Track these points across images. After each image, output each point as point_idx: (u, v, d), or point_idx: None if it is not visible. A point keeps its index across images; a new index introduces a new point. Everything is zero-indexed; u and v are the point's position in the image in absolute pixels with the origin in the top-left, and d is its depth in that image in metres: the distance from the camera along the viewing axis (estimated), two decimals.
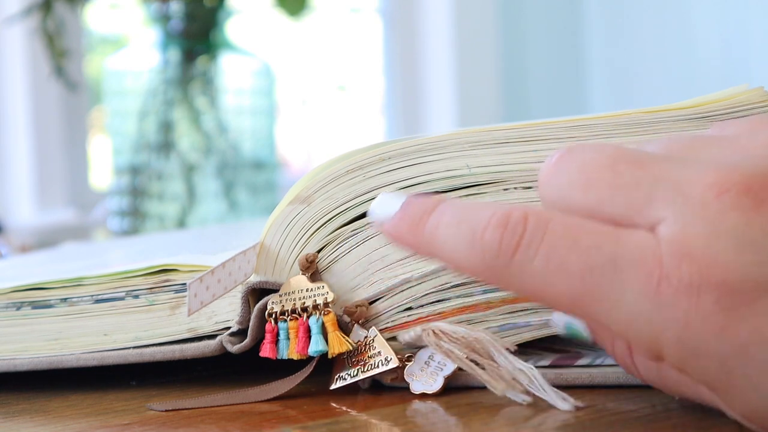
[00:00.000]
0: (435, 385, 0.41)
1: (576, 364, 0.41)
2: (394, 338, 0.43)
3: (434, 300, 0.43)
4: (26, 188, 1.63)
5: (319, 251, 0.44)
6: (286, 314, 0.42)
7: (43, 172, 1.63)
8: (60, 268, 0.58)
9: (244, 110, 1.22)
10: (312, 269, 0.43)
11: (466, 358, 0.39)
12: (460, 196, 0.43)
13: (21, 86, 1.61)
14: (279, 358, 0.42)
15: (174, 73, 1.18)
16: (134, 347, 0.45)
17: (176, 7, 1.17)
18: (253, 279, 0.44)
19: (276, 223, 0.44)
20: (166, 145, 1.18)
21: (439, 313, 0.43)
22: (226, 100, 1.20)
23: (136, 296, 0.46)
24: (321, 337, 0.42)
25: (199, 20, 1.18)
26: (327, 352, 0.42)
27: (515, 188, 0.43)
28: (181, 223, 1.16)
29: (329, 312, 0.42)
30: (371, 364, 0.42)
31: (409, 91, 2.11)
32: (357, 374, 0.42)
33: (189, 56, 1.18)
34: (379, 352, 0.42)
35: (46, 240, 1.21)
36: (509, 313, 0.42)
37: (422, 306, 0.43)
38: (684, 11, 2.06)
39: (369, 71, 2.08)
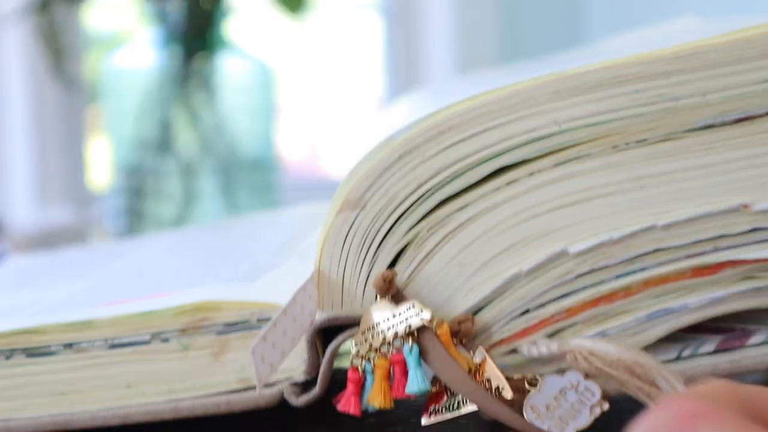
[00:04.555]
0: None
1: (748, 344, 0.34)
2: (513, 351, 0.34)
3: (557, 296, 0.34)
4: (24, 187, 1.62)
5: (393, 264, 0.35)
6: (374, 355, 0.33)
7: (42, 171, 1.62)
8: (58, 297, 0.46)
9: (243, 109, 1.21)
10: (392, 290, 0.34)
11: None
12: (557, 164, 0.34)
13: (19, 85, 1.60)
14: (367, 409, 0.33)
15: (172, 72, 1.18)
16: (167, 401, 0.36)
17: (174, 6, 1.17)
18: (319, 317, 0.35)
19: (329, 242, 0.35)
20: (164, 145, 1.17)
21: (567, 311, 0.34)
22: (224, 100, 1.20)
23: (166, 340, 0.37)
24: (420, 371, 0.33)
25: (197, 19, 1.17)
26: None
27: (626, 144, 0.34)
28: (179, 223, 1.15)
29: (440, 324, 0.33)
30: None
31: (410, 90, 2.10)
32: (458, 407, 0.33)
33: (187, 55, 1.18)
34: (488, 380, 0.33)
35: (45, 238, 1.21)
36: (657, 296, 0.34)
37: (542, 306, 0.34)
38: None
39: (369, 70, 2.08)
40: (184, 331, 0.36)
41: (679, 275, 0.34)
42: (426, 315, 0.33)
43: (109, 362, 0.37)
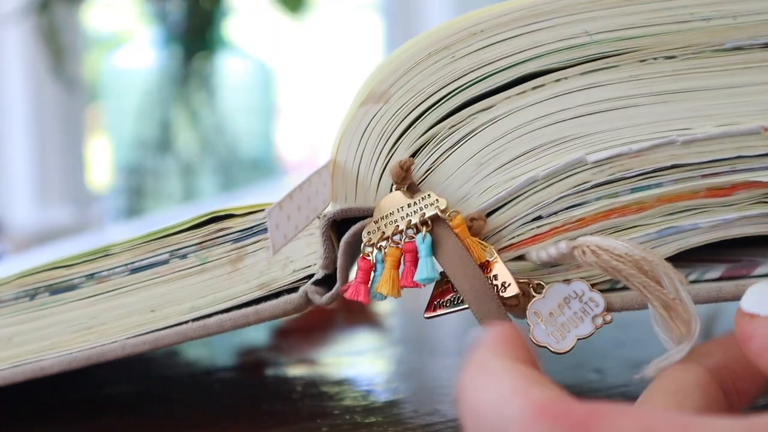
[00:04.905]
0: (563, 343, 0.33)
1: (753, 274, 0.34)
2: (521, 257, 0.34)
3: (570, 204, 0.34)
4: (24, 187, 1.62)
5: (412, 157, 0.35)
6: (385, 244, 0.33)
7: (42, 171, 1.62)
8: (68, 247, 0.47)
9: (243, 109, 1.21)
10: (409, 179, 0.34)
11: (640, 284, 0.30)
12: (583, 73, 0.34)
13: (19, 85, 1.60)
14: (374, 299, 0.34)
15: (172, 72, 1.18)
16: (193, 320, 0.36)
17: (174, 6, 1.17)
18: (332, 209, 0.35)
19: (348, 133, 0.35)
20: (164, 145, 1.17)
21: (578, 220, 0.34)
22: (224, 100, 1.20)
23: (184, 256, 0.36)
24: (430, 260, 0.32)
25: (197, 19, 1.17)
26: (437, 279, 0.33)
27: (655, 59, 0.34)
28: None
29: (455, 215, 0.33)
30: None
31: None
32: (461, 302, 0.33)
33: (187, 55, 1.18)
34: (494, 276, 0.33)
35: (45, 238, 1.20)
36: (669, 214, 0.34)
37: (555, 213, 0.34)
38: None
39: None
40: (201, 244, 0.36)
41: (693, 194, 0.34)
42: (442, 204, 0.33)
43: (131, 288, 0.37)
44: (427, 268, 0.32)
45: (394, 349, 0.52)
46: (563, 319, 0.33)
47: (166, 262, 0.36)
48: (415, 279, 0.33)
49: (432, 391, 0.42)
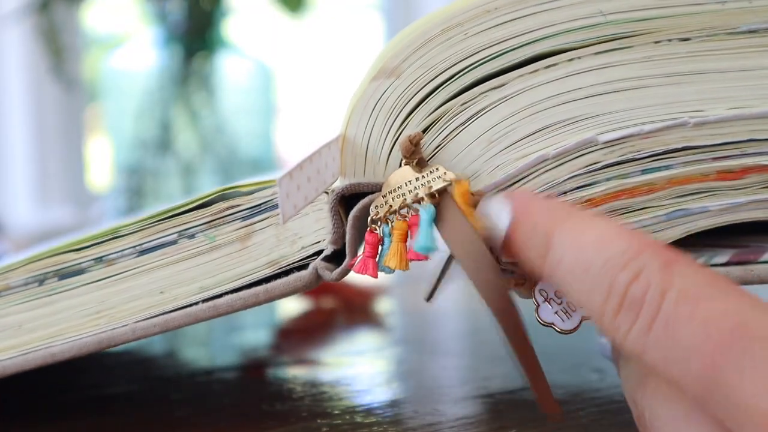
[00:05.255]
0: (569, 322, 0.32)
1: (761, 259, 0.34)
2: None
3: (580, 184, 0.34)
4: (24, 187, 1.62)
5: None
6: (393, 217, 0.33)
7: (42, 171, 1.62)
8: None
9: (242, 109, 1.21)
10: (418, 154, 0.33)
11: None
12: (596, 53, 0.34)
13: (19, 85, 1.60)
14: (383, 271, 0.33)
15: (172, 72, 1.18)
16: (203, 301, 0.35)
17: (174, 6, 1.17)
18: (340, 183, 0.34)
19: (359, 108, 0.34)
20: (164, 145, 1.17)
21: (588, 201, 0.34)
22: (224, 100, 1.20)
23: (192, 236, 0.36)
24: (431, 229, 0.32)
25: (197, 19, 1.17)
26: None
27: (669, 40, 0.34)
28: None
29: (460, 182, 0.33)
30: None
31: None
32: (446, 268, 0.33)
33: (187, 55, 1.18)
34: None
35: (45, 238, 1.20)
36: (679, 196, 0.34)
37: (564, 193, 0.34)
38: None
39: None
40: (210, 223, 0.36)
41: (704, 177, 0.34)
42: (449, 176, 0.33)
43: (139, 270, 0.36)
44: (425, 237, 0.32)
45: (394, 349, 0.52)
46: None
47: (174, 242, 0.36)
48: (413, 248, 0.32)
49: (432, 391, 0.42)
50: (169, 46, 1.19)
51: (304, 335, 0.57)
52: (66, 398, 0.42)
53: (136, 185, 1.20)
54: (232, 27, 1.19)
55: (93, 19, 1.74)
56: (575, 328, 0.32)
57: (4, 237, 1.17)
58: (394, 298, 0.69)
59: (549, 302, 0.33)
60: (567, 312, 0.32)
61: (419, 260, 0.33)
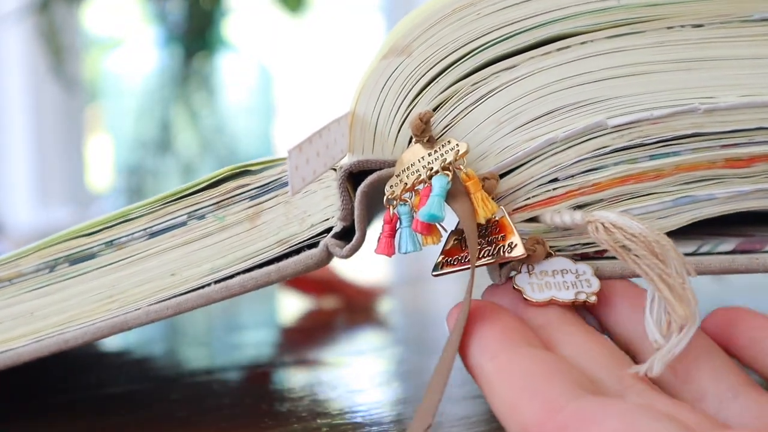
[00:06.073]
0: (538, 295, 0.32)
1: (766, 249, 0.34)
2: (535, 219, 0.34)
3: (587, 168, 0.34)
4: (24, 187, 1.62)
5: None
6: (409, 195, 0.33)
7: (42, 171, 1.62)
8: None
9: (242, 109, 1.21)
10: (428, 132, 0.33)
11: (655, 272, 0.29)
12: (608, 37, 0.34)
13: (19, 85, 1.60)
14: (400, 251, 0.33)
15: (172, 72, 1.18)
16: (215, 282, 0.35)
17: (174, 6, 1.17)
18: (348, 160, 0.34)
19: (368, 85, 0.34)
20: (164, 145, 1.17)
21: (595, 185, 0.34)
22: (224, 100, 1.20)
23: (201, 217, 0.36)
24: (441, 198, 0.31)
25: (197, 19, 1.17)
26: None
27: (682, 26, 0.34)
28: None
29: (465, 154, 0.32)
30: (488, 251, 0.32)
31: None
32: (466, 261, 0.32)
33: (187, 55, 1.18)
34: (502, 236, 0.32)
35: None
36: (686, 183, 0.34)
37: (572, 176, 0.34)
38: None
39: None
40: (218, 203, 0.36)
41: (711, 164, 0.34)
42: (462, 148, 0.32)
43: (150, 253, 0.36)
44: (433, 205, 0.31)
45: (394, 349, 0.52)
46: (551, 280, 0.33)
47: (184, 223, 0.36)
48: (419, 215, 0.32)
49: None
50: (169, 46, 1.19)
51: (305, 335, 0.57)
52: (66, 398, 0.42)
53: (136, 185, 1.20)
54: (231, 27, 1.19)
55: (93, 19, 1.74)
56: (540, 302, 0.32)
57: (4, 237, 1.17)
58: (394, 298, 0.69)
59: (529, 275, 0.33)
60: (540, 288, 0.32)
61: (424, 234, 0.33)
